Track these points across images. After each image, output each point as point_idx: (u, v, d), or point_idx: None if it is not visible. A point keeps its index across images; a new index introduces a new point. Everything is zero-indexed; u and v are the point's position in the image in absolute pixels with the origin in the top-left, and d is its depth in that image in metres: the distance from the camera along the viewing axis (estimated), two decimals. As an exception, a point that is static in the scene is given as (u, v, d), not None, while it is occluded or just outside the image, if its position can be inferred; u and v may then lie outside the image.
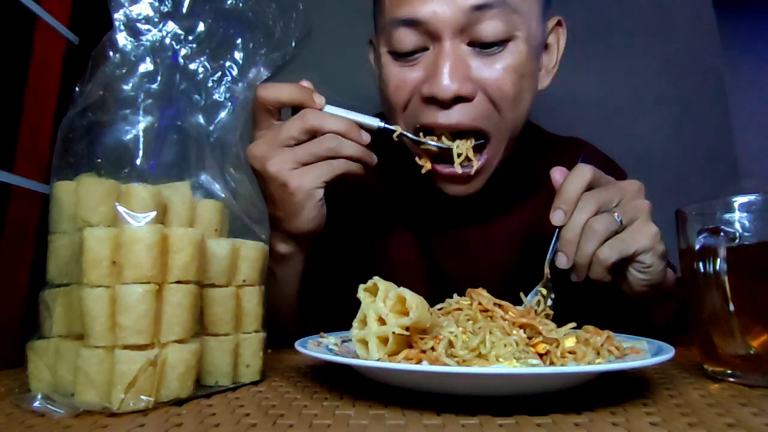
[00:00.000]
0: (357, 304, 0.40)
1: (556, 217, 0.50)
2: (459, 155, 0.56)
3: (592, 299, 0.57)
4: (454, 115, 0.54)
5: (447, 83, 0.52)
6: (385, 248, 0.73)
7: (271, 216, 0.54)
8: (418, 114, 0.56)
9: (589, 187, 0.51)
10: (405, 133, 0.56)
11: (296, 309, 0.63)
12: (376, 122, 0.55)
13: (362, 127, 0.54)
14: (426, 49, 0.55)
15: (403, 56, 0.56)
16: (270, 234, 0.55)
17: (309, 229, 0.55)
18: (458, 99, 0.54)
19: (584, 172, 0.51)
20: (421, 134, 0.57)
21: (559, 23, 0.64)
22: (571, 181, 0.50)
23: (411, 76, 0.56)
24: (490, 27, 0.53)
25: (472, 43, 0.54)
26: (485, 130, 0.56)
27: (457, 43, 0.53)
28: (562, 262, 0.50)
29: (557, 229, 0.51)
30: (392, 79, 0.57)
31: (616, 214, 0.49)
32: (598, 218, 0.49)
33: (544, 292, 0.52)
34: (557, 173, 0.52)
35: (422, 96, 0.55)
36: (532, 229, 0.70)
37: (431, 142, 0.56)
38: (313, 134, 0.52)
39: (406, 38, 0.55)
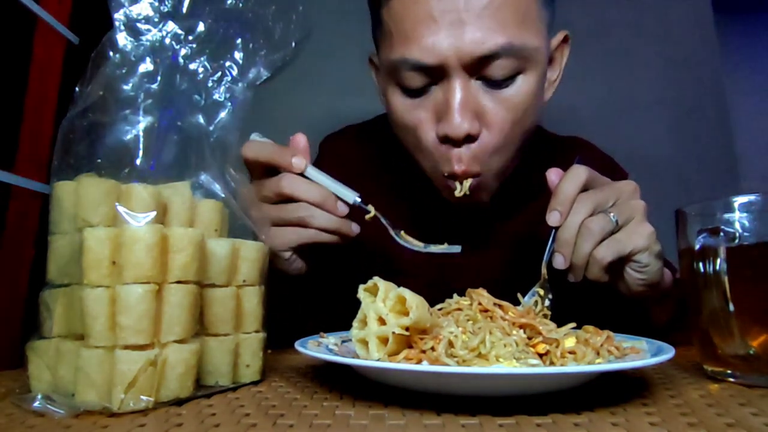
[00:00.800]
0: (357, 304, 0.40)
1: (553, 218, 0.50)
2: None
3: (590, 300, 0.57)
4: (464, 161, 0.55)
5: (458, 122, 0.52)
6: (387, 250, 0.73)
7: None
8: (440, 160, 0.57)
9: (585, 188, 0.51)
10: (379, 215, 0.54)
11: (295, 319, 0.64)
12: (352, 197, 0.52)
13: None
14: (435, 83, 0.55)
15: (413, 91, 0.56)
16: None
17: (285, 271, 0.55)
18: (468, 137, 0.54)
19: (579, 173, 0.51)
20: (403, 234, 0.56)
21: (565, 39, 0.63)
22: (567, 182, 0.51)
23: (424, 115, 0.56)
24: (498, 67, 0.52)
25: (481, 78, 0.54)
26: (479, 173, 0.57)
27: (466, 80, 0.53)
28: (559, 262, 0.51)
29: (553, 230, 0.51)
30: (408, 119, 0.57)
31: (611, 214, 0.50)
32: (594, 219, 0.49)
33: (542, 292, 0.52)
34: (553, 174, 0.53)
35: (437, 135, 0.55)
36: (534, 230, 0.69)
37: (400, 240, 0.55)
38: (288, 198, 0.51)
39: (416, 78, 0.54)
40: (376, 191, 0.69)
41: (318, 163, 0.77)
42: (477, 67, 0.52)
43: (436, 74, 0.54)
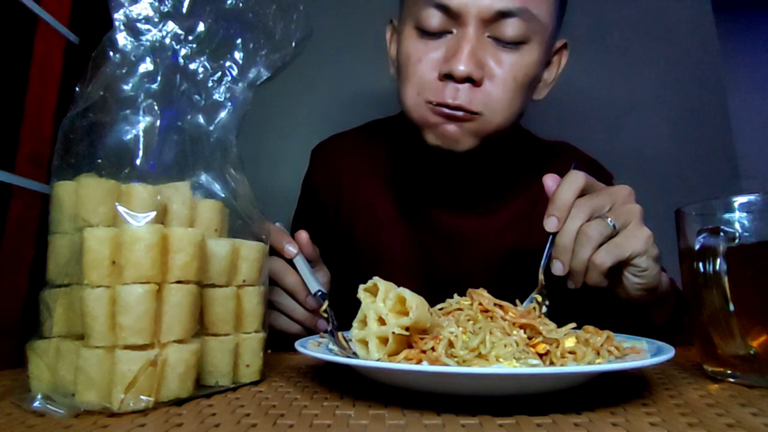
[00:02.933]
0: (357, 304, 0.40)
1: (550, 224, 0.50)
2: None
3: (589, 305, 0.57)
4: (461, 96, 0.58)
5: (463, 66, 0.56)
6: (377, 239, 0.76)
7: None
8: (431, 88, 0.60)
9: (582, 194, 0.51)
10: (330, 311, 0.54)
11: None
12: (315, 287, 0.55)
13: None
14: (450, 32, 0.59)
15: (427, 34, 0.60)
16: None
17: None
18: (469, 79, 0.58)
19: (577, 178, 0.51)
20: (340, 335, 0.51)
21: (564, 46, 0.68)
22: (564, 187, 0.51)
23: (432, 55, 0.60)
24: (511, 27, 0.57)
25: (492, 36, 0.58)
26: (481, 113, 0.60)
27: (479, 32, 0.58)
28: (558, 269, 0.50)
29: (551, 236, 0.51)
30: (414, 53, 0.61)
31: (609, 219, 0.49)
32: (592, 224, 0.49)
33: (539, 298, 0.51)
34: (549, 180, 0.53)
35: (440, 73, 0.59)
36: (518, 228, 0.73)
37: (332, 338, 0.51)
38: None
39: (435, 18, 0.58)
40: (364, 191, 0.76)
41: (309, 170, 0.81)
42: (492, 21, 0.57)
43: (454, 19, 0.58)
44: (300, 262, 0.56)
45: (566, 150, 0.82)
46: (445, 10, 0.57)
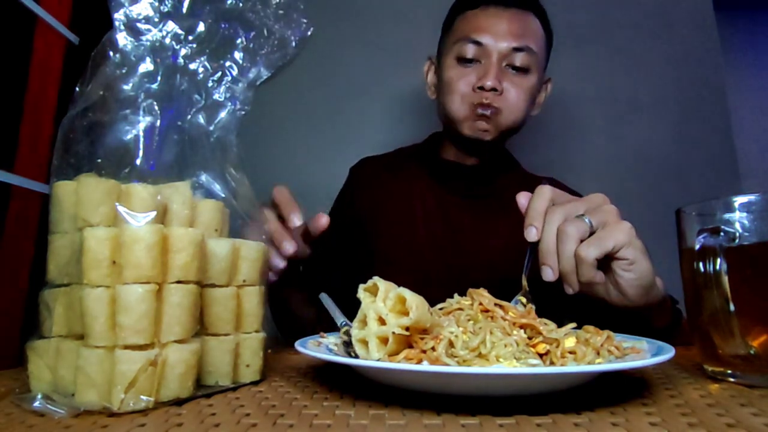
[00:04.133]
0: (357, 303, 0.40)
1: (530, 233, 0.53)
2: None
3: (589, 316, 0.57)
4: (489, 98, 0.83)
5: (491, 81, 0.82)
6: (403, 237, 0.89)
7: None
8: (470, 95, 0.84)
9: (553, 205, 0.54)
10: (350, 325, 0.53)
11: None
12: (341, 318, 0.55)
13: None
14: (479, 61, 0.84)
15: (464, 62, 0.85)
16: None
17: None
18: (493, 90, 0.82)
19: (545, 190, 0.55)
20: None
21: (548, 80, 0.94)
22: (535, 199, 0.54)
23: (468, 78, 0.85)
24: (520, 58, 0.83)
25: (507, 65, 0.84)
26: (501, 109, 0.84)
27: (500, 61, 0.83)
28: (548, 274, 0.51)
29: (530, 245, 0.54)
30: (456, 76, 0.86)
31: (585, 217, 0.51)
32: (569, 222, 0.51)
33: (524, 300, 0.53)
34: (522, 198, 0.56)
35: (474, 86, 0.84)
36: (511, 223, 0.83)
37: (342, 332, 0.53)
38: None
39: (470, 50, 0.84)
40: (399, 198, 0.94)
41: (352, 183, 1.02)
42: (507, 55, 0.83)
43: (483, 52, 0.83)
44: (325, 298, 0.58)
45: (553, 182, 0.91)
46: (478, 44, 0.83)
